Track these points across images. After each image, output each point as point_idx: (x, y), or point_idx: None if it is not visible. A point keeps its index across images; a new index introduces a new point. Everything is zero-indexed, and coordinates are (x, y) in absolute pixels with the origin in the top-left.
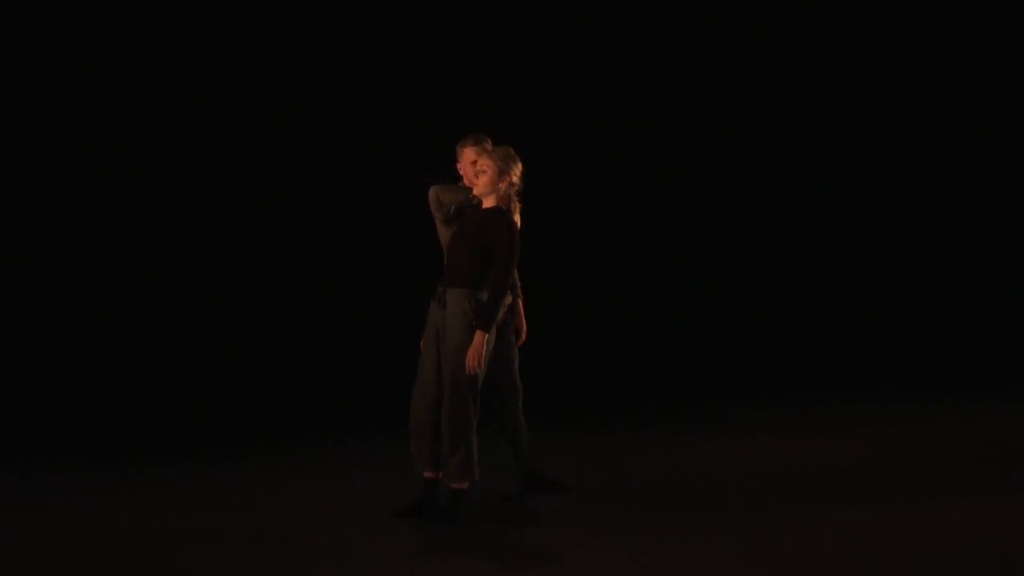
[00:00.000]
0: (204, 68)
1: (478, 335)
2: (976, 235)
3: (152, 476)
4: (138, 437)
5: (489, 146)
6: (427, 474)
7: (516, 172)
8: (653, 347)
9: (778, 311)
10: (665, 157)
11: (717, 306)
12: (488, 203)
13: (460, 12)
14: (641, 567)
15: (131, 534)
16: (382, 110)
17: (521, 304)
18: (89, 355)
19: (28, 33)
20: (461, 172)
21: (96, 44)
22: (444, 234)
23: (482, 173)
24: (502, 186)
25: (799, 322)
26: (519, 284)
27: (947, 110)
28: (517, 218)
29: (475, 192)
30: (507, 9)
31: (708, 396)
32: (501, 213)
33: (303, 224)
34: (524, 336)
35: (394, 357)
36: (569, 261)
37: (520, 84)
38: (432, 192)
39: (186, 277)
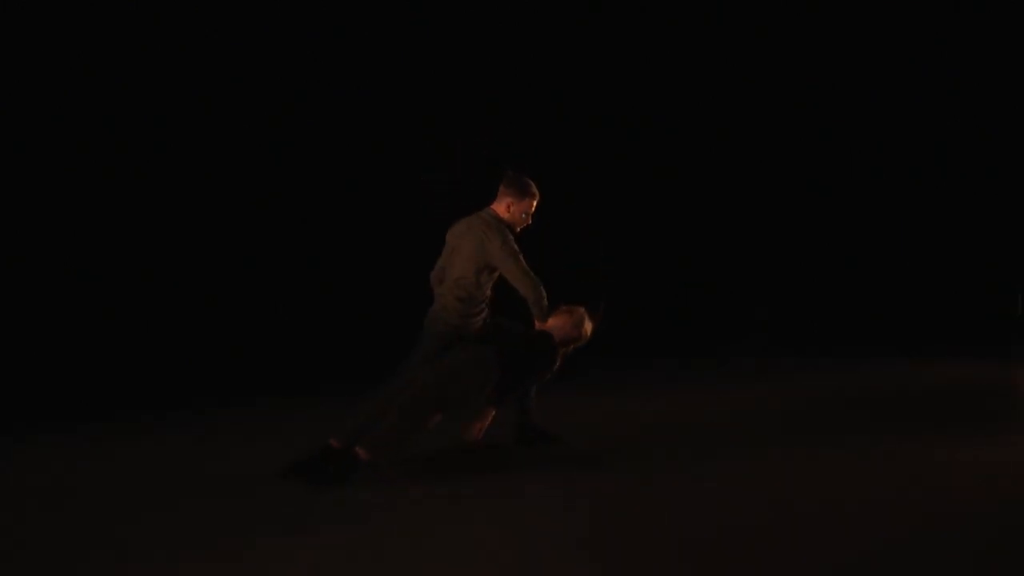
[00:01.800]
0: (204, 68)
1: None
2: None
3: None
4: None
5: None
6: (334, 442)
7: (582, 340)
8: (652, 342)
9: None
10: (665, 157)
11: (715, 306)
12: (551, 326)
13: (460, 12)
14: (575, 506)
15: (136, 483)
16: (382, 110)
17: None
18: (91, 355)
19: (28, 33)
20: (508, 211)
21: (96, 44)
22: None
23: (564, 317)
24: (569, 334)
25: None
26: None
27: (947, 110)
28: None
29: (552, 332)
30: (507, 9)
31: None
32: (551, 340)
33: (303, 224)
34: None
35: (394, 355)
36: (568, 260)
37: (520, 84)
38: (541, 307)
39: (186, 277)
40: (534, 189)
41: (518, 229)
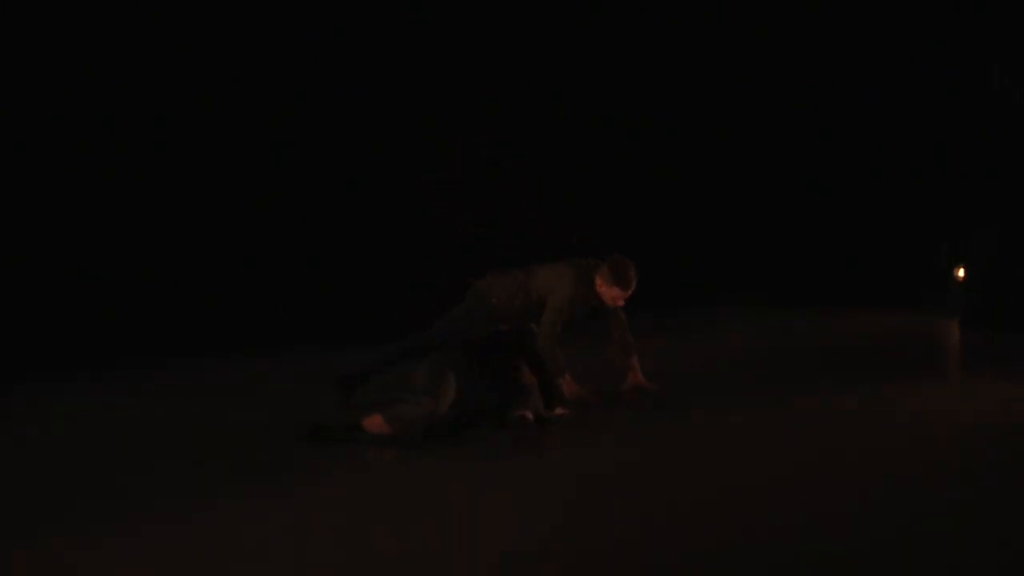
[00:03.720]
0: (204, 68)
1: None
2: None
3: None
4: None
5: None
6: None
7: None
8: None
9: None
10: (665, 157)
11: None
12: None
13: (460, 12)
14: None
15: (164, 431)
16: (382, 110)
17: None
18: (86, 347)
19: (28, 33)
20: (608, 295)
21: (96, 44)
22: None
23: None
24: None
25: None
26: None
27: (947, 110)
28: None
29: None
30: (507, 9)
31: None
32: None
33: (303, 224)
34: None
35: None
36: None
37: (520, 84)
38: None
39: (186, 277)
40: (632, 284)
41: (598, 303)
